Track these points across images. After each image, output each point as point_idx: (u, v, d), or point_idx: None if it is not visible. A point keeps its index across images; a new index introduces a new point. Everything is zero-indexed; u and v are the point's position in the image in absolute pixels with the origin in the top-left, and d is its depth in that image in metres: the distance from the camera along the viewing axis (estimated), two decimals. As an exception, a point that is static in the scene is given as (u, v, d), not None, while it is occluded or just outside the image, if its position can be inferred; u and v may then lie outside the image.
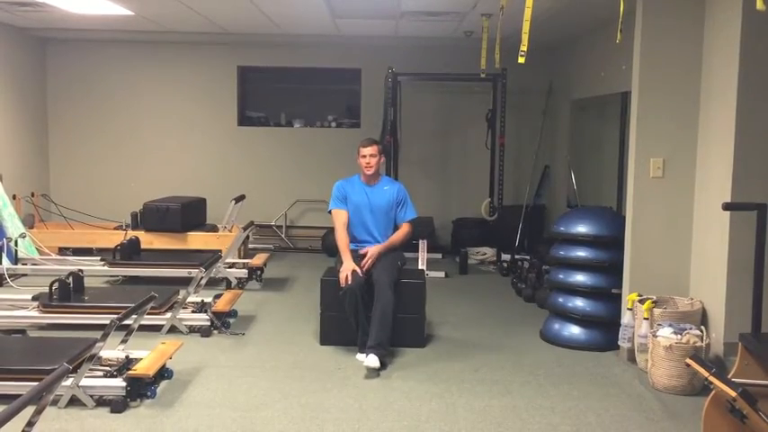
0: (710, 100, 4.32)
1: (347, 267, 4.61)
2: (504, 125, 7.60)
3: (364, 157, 4.90)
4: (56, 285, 5.00)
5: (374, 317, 4.51)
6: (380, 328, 4.46)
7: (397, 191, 5.01)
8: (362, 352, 4.49)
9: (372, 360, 4.27)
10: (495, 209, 7.75)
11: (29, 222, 7.58)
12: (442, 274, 7.12)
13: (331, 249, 7.84)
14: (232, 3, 6.11)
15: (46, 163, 8.53)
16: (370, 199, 4.95)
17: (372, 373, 4.25)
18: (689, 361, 3.28)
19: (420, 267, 6.50)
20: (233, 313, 5.39)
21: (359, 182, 5.03)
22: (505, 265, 7.34)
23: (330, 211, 5.02)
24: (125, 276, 6.56)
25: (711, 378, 2.97)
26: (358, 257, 4.74)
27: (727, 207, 3.78)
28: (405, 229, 4.97)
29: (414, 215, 5.02)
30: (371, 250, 4.75)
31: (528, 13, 3.91)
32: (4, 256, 6.43)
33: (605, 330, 4.78)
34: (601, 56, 6.70)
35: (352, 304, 4.57)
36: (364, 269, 4.65)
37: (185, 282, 5.35)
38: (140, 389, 3.73)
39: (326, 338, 4.82)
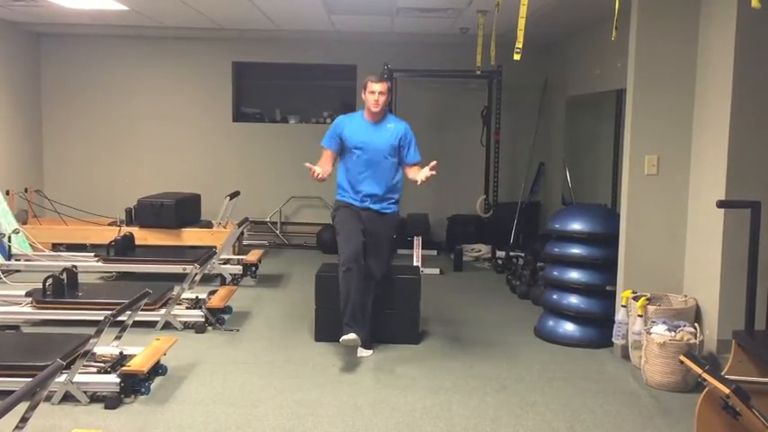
0: (705, 97, 4.33)
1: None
2: (500, 122, 7.61)
3: (373, 93, 4.53)
4: (49, 281, 4.98)
5: (368, 311, 4.58)
6: (370, 321, 4.60)
7: (403, 130, 4.63)
8: (348, 332, 4.36)
9: (367, 352, 4.52)
10: (491, 206, 7.75)
11: (22, 218, 7.55)
12: (436, 271, 7.12)
13: (326, 246, 7.84)
14: (227, -2, 6.10)
15: (39, 158, 8.49)
16: (373, 137, 4.58)
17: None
18: (683, 358, 3.29)
19: (415, 264, 6.50)
20: (227, 309, 5.38)
21: (362, 118, 4.67)
22: (500, 262, 7.35)
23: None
24: (119, 272, 6.54)
25: (705, 375, 2.98)
26: (356, 213, 4.57)
27: (721, 205, 3.79)
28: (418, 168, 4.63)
29: (420, 158, 4.68)
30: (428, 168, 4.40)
31: (523, 10, 3.91)
32: (-3, 251, 6.41)
33: (599, 327, 4.79)
34: (596, 53, 6.71)
35: (351, 281, 4.43)
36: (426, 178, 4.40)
37: (180, 278, 5.34)
38: (134, 385, 3.73)
39: (321, 335, 4.81)
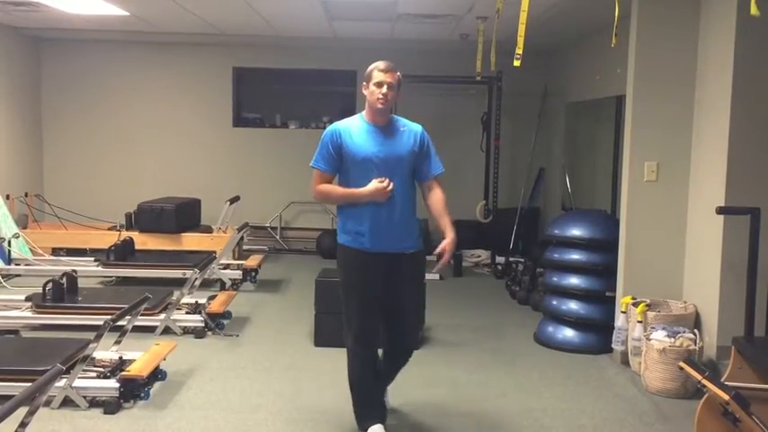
0: (705, 104, 4.34)
1: (373, 187, 3.25)
2: (500, 128, 7.61)
3: (380, 85, 3.31)
4: (49, 286, 4.98)
5: (392, 371, 3.56)
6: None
7: (421, 133, 3.49)
8: (375, 423, 3.38)
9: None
10: (490, 211, 7.75)
11: (22, 223, 7.55)
12: (436, 277, 7.11)
13: (326, 251, 7.83)
14: (228, 4, 6.10)
15: (40, 163, 8.50)
16: (389, 144, 3.35)
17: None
18: (682, 364, 3.29)
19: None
20: (227, 314, 5.37)
21: (364, 122, 3.40)
22: (500, 267, 7.35)
23: (312, 167, 3.38)
24: (119, 277, 6.54)
25: (704, 381, 2.98)
26: (372, 266, 3.35)
27: (720, 211, 3.80)
28: (440, 193, 3.48)
29: (442, 169, 3.51)
30: (449, 244, 3.48)
31: (523, 17, 3.92)
32: (-3, 256, 6.41)
33: (599, 333, 4.79)
34: (596, 59, 6.72)
35: (361, 369, 3.38)
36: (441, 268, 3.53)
37: (179, 283, 5.34)
38: (134, 390, 3.73)
39: (321, 340, 4.81)
